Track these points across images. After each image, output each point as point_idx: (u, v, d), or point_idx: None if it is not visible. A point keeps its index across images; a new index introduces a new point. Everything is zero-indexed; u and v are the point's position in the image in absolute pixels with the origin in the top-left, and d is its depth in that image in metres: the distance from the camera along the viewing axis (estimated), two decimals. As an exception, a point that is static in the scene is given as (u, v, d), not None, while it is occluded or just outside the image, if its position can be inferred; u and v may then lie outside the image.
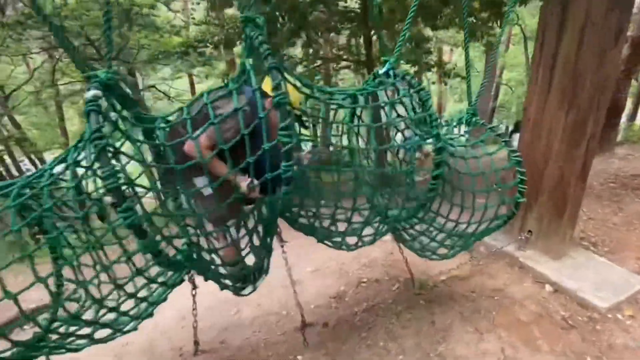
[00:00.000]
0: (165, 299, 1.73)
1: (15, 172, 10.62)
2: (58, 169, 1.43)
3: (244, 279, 1.96)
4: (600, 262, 2.87)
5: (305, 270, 3.39)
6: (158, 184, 1.93)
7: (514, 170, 2.06)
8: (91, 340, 1.46)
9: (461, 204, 2.08)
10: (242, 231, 1.75)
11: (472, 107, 2.25)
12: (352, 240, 2.10)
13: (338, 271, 3.29)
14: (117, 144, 1.22)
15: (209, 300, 2.77)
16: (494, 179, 2.16)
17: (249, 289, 2.01)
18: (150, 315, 1.65)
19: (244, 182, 1.47)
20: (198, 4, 7.69)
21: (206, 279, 1.69)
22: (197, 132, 1.38)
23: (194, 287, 2.08)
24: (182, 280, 1.76)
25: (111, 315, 1.51)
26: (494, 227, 2.24)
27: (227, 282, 1.84)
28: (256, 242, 1.82)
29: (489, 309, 2.52)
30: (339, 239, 2.07)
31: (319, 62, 8.27)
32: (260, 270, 2.03)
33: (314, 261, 3.51)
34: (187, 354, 2.42)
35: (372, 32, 5.86)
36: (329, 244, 2.10)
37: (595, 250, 3.20)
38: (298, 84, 1.59)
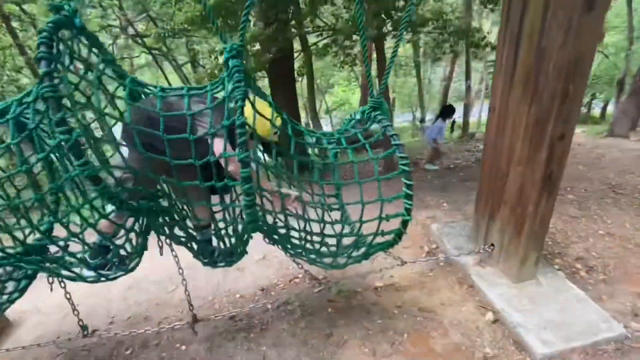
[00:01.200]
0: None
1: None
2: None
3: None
4: (573, 295, 2.27)
5: (253, 257, 3.36)
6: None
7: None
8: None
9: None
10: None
11: (374, 99, 1.85)
12: None
13: (281, 263, 3.20)
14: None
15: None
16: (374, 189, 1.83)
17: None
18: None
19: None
20: None
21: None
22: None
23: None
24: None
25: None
26: (383, 243, 1.92)
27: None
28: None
29: (402, 331, 2.21)
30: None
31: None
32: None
33: (265, 248, 3.45)
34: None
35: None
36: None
37: (585, 276, 2.56)
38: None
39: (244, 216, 1.53)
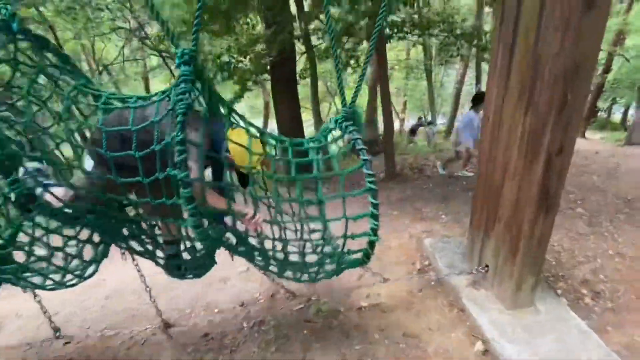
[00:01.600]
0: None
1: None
2: None
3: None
4: (574, 326, 2.04)
5: (237, 269, 3.23)
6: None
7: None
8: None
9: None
10: None
11: (346, 109, 1.69)
12: None
13: (264, 276, 3.05)
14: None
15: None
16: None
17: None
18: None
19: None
20: None
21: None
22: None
23: None
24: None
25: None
26: (354, 261, 1.76)
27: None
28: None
29: (381, 359, 2.03)
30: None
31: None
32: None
33: (249, 260, 3.34)
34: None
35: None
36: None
37: (590, 303, 2.32)
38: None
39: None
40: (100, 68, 12.68)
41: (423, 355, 2.05)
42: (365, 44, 6.07)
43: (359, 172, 1.64)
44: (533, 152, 1.76)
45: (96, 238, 1.86)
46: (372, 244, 1.59)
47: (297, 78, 6.83)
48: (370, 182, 1.48)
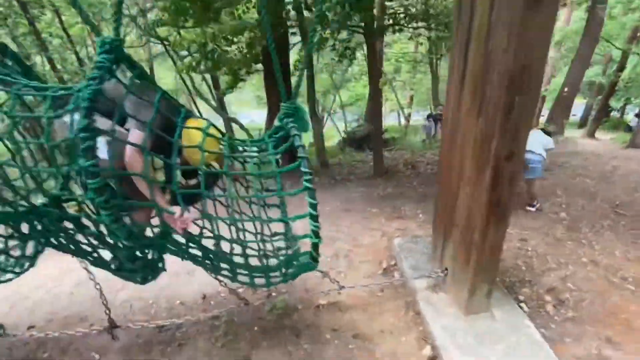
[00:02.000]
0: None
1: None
2: None
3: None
4: (527, 335, 1.98)
5: (206, 260, 3.23)
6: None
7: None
8: None
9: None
10: None
11: (287, 105, 1.63)
12: None
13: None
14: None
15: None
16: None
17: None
18: None
19: None
20: None
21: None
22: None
23: None
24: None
25: None
26: (301, 266, 1.72)
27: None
28: None
29: None
30: None
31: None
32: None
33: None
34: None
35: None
36: None
37: (552, 312, 2.25)
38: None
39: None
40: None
41: (370, 357, 2.02)
42: (359, 37, 5.92)
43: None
44: (483, 159, 1.68)
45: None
46: (315, 246, 1.53)
47: (292, 69, 6.73)
48: (306, 181, 1.42)
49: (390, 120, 19.54)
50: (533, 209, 3.78)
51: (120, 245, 1.63)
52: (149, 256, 1.92)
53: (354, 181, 5.54)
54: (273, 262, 1.81)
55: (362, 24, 4.51)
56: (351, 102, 19.96)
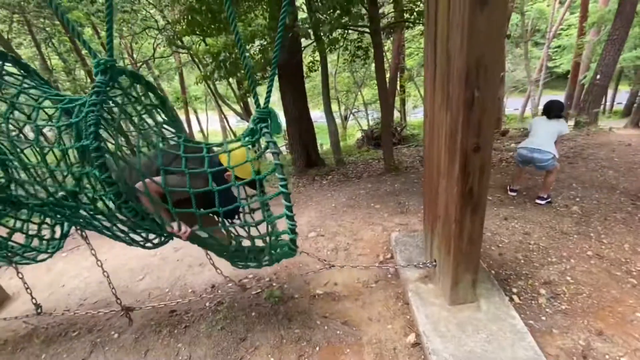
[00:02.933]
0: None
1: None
2: None
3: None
4: (510, 325, 2.01)
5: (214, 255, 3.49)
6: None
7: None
8: None
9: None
10: None
11: (260, 110, 1.78)
12: None
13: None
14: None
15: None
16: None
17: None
18: None
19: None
20: None
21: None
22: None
23: None
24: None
25: None
26: (283, 253, 1.89)
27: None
28: None
29: (316, 343, 2.16)
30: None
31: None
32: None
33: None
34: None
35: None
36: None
37: (544, 304, 2.25)
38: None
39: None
40: (139, 64, 13.63)
41: (356, 342, 2.15)
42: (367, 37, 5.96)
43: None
44: (452, 151, 1.75)
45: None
46: (292, 241, 1.73)
47: (305, 71, 6.90)
48: (282, 186, 1.58)
49: (414, 116, 19.22)
50: (542, 202, 3.65)
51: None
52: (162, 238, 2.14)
53: (364, 178, 5.62)
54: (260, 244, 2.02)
55: (368, 23, 4.59)
56: (375, 99, 19.87)
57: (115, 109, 1.67)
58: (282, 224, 1.76)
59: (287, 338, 2.22)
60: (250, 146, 1.82)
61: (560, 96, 14.87)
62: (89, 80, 10.13)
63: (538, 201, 3.68)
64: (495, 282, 2.36)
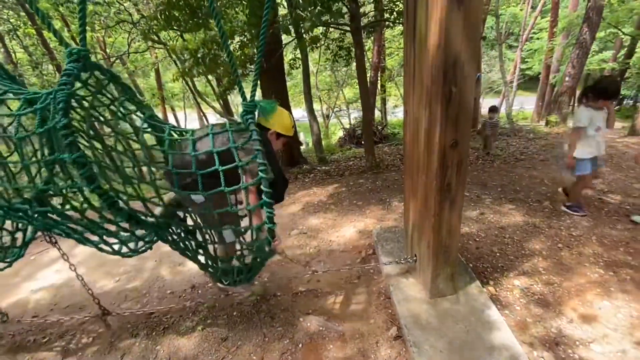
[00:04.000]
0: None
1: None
2: None
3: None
4: (488, 316, 2.07)
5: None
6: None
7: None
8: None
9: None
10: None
11: (246, 104, 1.76)
12: None
13: (220, 260, 3.23)
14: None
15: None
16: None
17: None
18: None
19: None
20: None
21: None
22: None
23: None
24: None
25: None
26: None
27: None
28: None
29: (299, 341, 2.15)
30: None
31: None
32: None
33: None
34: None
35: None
36: None
37: (518, 295, 2.33)
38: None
39: None
40: (112, 59, 13.10)
41: (339, 338, 2.15)
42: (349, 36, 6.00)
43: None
44: (431, 146, 1.79)
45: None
46: (270, 231, 1.71)
47: (287, 69, 6.86)
48: (261, 171, 1.56)
49: (394, 115, 19.49)
50: (569, 210, 3.32)
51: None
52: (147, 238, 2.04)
53: (346, 176, 5.65)
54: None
55: (349, 22, 4.62)
56: (356, 98, 20.02)
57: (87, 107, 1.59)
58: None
59: (270, 336, 2.20)
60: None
61: (532, 97, 15.50)
62: (57, 76, 9.65)
63: (564, 209, 3.40)
64: (473, 274, 2.43)
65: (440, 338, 1.97)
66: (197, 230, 2.07)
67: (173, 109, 19.40)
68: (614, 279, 2.37)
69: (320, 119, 16.37)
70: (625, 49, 12.91)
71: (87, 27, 1.55)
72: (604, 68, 13.02)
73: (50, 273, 3.43)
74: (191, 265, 3.25)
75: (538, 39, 15.55)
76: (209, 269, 2.13)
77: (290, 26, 4.24)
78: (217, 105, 11.28)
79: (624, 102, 16.40)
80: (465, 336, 1.97)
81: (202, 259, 2.09)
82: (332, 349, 2.08)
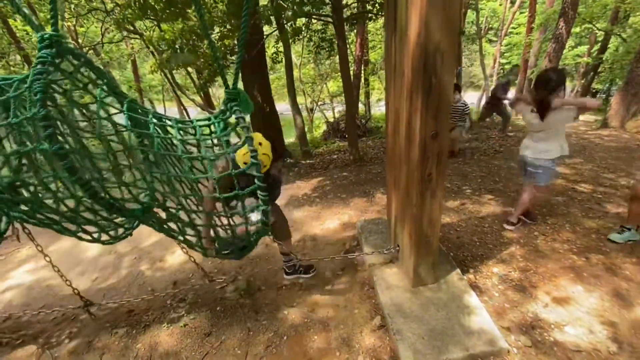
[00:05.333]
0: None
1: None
2: None
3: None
4: (467, 303, 2.13)
5: (176, 251, 3.34)
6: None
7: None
8: None
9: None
10: None
11: (229, 91, 1.71)
12: None
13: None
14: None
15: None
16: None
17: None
18: None
19: None
20: None
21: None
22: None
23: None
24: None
25: None
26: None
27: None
28: None
29: (284, 333, 2.15)
30: None
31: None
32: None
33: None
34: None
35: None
36: None
37: (496, 283, 2.40)
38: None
39: None
40: (85, 49, 12.52)
41: (324, 329, 2.16)
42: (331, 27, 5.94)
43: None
44: (412, 137, 1.80)
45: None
46: (265, 213, 1.72)
47: (269, 64, 6.74)
48: (253, 157, 1.54)
49: (378, 109, 19.60)
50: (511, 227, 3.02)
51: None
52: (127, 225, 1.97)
53: (330, 169, 5.66)
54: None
55: (330, 13, 4.57)
56: (340, 92, 19.96)
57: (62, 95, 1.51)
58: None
59: (254, 330, 2.18)
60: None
61: (512, 91, 15.92)
62: (26, 67, 9.15)
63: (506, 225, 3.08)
64: (454, 263, 2.49)
65: (422, 325, 2.01)
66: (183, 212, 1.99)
67: (152, 102, 18.81)
68: (587, 264, 2.48)
69: (304, 113, 16.27)
70: (599, 44, 13.40)
71: (57, 14, 1.45)
72: (579, 62, 13.48)
73: (21, 273, 3.29)
74: (172, 262, 3.19)
75: (517, 33, 15.91)
76: (197, 247, 2.06)
77: (272, 16, 4.16)
78: (197, 98, 11.01)
79: (597, 96, 17.07)
80: (446, 322, 2.01)
81: (190, 237, 2.01)
82: (317, 340, 2.09)
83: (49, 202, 1.52)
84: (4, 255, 3.66)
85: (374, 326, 2.13)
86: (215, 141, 1.99)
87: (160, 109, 19.18)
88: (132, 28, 8.55)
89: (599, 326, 1.96)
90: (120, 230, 1.78)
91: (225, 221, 2.02)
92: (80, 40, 11.57)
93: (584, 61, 13.24)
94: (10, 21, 8.00)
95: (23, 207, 1.66)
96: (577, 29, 12.63)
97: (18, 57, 9.49)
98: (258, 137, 1.98)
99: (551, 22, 11.82)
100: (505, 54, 16.80)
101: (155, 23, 6.53)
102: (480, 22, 14.94)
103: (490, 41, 20.62)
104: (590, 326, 1.97)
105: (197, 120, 1.91)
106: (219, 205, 2.07)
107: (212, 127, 1.92)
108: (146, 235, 3.60)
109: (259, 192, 1.63)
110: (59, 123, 1.50)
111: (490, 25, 17.94)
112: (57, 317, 2.44)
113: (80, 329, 2.34)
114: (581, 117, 8.65)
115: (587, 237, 2.81)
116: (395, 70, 1.89)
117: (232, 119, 1.82)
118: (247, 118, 1.81)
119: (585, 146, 5.54)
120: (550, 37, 8.69)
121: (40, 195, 1.56)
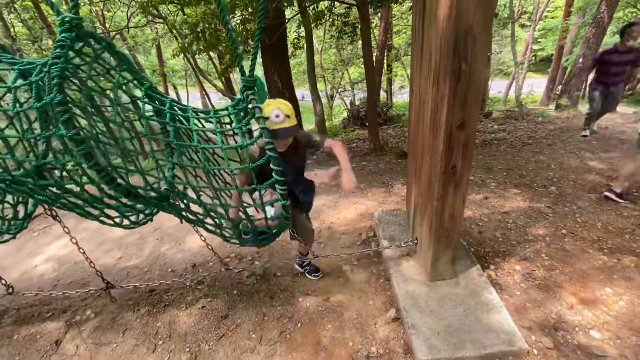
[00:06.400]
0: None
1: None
2: None
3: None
4: (487, 300, 2.07)
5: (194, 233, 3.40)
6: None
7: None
8: None
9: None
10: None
11: (246, 79, 1.68)
12: None
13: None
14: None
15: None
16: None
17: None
18: None
19: None
20: None
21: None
22: None
23: None
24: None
25: None
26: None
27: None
28: None
29: (298, 320, 2.17)
30: None
31: None
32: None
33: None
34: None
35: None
36: None
37: (519, 280, 2.31)
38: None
39: None
40: (112, 34, 12.77)
41: (337, 318, 2.16)
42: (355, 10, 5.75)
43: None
44: (437, 126, 1.72)
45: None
46: (284, 207, 1.69)
47: (291, 50, 6.65)
48: (269, 149, 1.50)
49: (400, 96, 19.12)
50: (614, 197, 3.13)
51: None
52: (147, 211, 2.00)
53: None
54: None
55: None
56: (361, 79, 19.56)
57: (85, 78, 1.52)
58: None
59: (269, 315, 2.21)
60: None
61: (543, 80, 15.05)
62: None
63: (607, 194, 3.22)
64: (474, 258, 2.41)
65: (438, 320, 1.97)
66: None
67: (175, 87, 19.13)
68: (618, 266, 2.34)
69: (324, 100, 16.09)
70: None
71: (86, 0, 1.46)
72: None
73: (53, 249, 3.47)
74: (192, 244, 3.27)
75: (553, 18, 14.94)
76: (217, 232, 2.07)
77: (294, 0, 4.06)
78: (219, 83, 11.09)
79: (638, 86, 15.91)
80: (463, 319, 1.96)
81: (209, 226, 2.02)
82: (330, 329, 2.09)
83: (72, 187, 1.55)
84: (37, 232, 3.87)
85: (388, 318, 2.11)
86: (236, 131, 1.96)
87: (183, 94, 19.52)
88: (156, 12, 8.62)
89: (627, 332, 1.86)
90: (141, 216, 1.82)
91: (251, 210, 2.01)
92: (107, 25, 11.82)
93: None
94: (42, 6, 8.23)
95: (50, 190, 1.72)
96: (620, 14, 11.66)
97: (50, 42, 9.80)
98: (277, 101, 1.88)
99: (592, 5, 10.99)
100: (538, 40, 15.83)
101: (179, 7, 6.53)
102: (513, 4, 14.08)
103: (522, 26, 19.47)
104: (618, 331, 1.87)
105: (215, 112, 1.89)
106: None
107: (230, 117, 1.91)
108: (168, 217, 3.69)
109: (277, 185, 1.60)
110: (78, 107, 1.51)
111: (524, 9, 16.91)
112: (83, 293, 2.56)
113: (105, 305, 2.45)
114: (618, 109, 8.09)
115: (619, 237, 2.65)
116: (422, 54, 1.80)
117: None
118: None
119: (624, 140, 5.19)
120: (590, 22, 8.09)
121: (63, 180, 1.60)
